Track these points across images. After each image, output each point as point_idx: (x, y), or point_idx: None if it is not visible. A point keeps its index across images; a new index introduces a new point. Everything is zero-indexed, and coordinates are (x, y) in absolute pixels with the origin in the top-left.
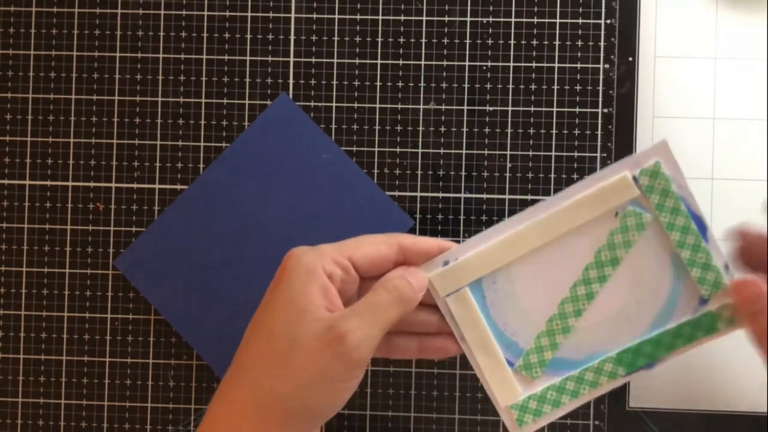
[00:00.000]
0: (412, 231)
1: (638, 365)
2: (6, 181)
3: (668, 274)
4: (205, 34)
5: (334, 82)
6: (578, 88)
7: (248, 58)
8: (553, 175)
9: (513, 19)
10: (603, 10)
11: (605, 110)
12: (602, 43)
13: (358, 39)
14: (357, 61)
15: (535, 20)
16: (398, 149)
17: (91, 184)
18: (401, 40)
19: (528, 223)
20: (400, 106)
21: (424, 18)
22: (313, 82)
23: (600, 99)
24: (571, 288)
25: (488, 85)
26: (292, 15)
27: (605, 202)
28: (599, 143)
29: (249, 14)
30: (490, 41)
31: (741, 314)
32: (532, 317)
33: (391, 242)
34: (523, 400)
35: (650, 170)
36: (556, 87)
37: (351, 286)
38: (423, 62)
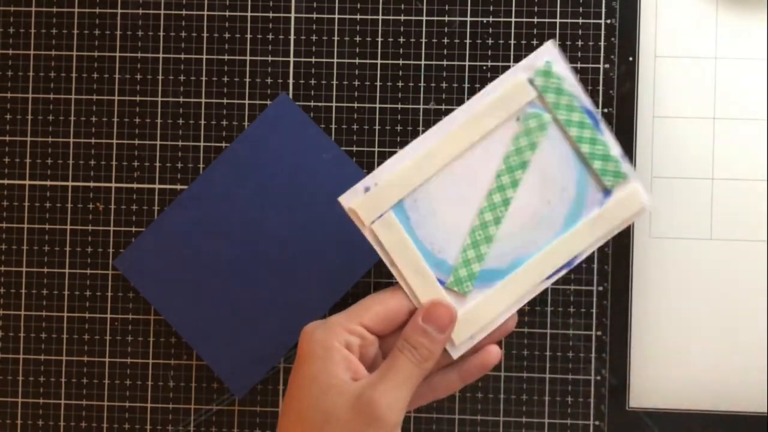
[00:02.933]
0: None
1: (559, 265)
2: (6, 181)
3: (573, 170)
4: (205, 34)
5: (334, 82)
6: None
7: (248, 58)
8: None
9: (513, 19)
10: (603, 10)
11: (605, 110)
12: (602, 43)
13: (358, 39)
14: (357, 61)
15: (535, 20)
16: (398, 149)
17: (91, 184)
18: (401, 40)
19: (438, 138)
20: (400, 106)
21: (424, 18)
22: (313, 82)
23: (600, 99)
24: (487, 197)
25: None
26: (292, 15)
27: (507, 108)
28: None
29: (249, 14)
30: (490, 41)
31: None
32: (456, 232)
33: (397, 293)
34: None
35: (542, 70)
36: None
37: (371, 348)
38: (423, 62)
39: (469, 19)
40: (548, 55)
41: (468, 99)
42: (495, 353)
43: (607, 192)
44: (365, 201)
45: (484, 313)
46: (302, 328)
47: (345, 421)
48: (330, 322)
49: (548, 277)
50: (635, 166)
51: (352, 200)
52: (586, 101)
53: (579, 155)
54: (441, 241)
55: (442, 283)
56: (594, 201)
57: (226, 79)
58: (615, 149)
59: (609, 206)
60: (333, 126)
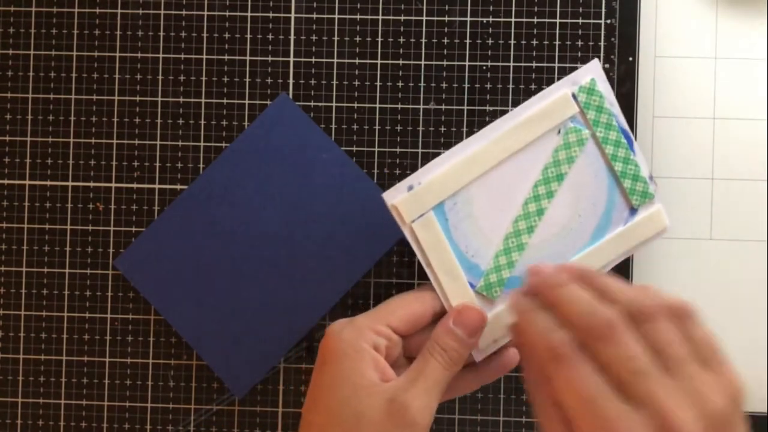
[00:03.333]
0: None
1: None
2: (6, 181)
3: (605, 187)
4: (205, 34)
5: (334, 82)
6: None
7: (248, 58)
8: None
9: (513, 19)
10: (603, 10)
11: None
12: (602, 43)
13: (358, 39)
14: (357, 61)
15: (535, 20)
16: (398, 149)
17: (91, 184)
18: (401, 40)
19: (481, 143)
20: (400, 106)
21: (424, 18)
22: (313, 82)
23: None
24: (523, 205)
25: (488, 85)
26: (292, 15)
27: (549, 120)
28: None
29: (249, 14)
30: (490, 41)
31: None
32: (490, 237)
33: (423, 296)
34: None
35: (587, 87)
36: None
37: (395, 349)
38: (423, 62)
39: (469, 19)
40: (593, 72)
41: (468, 99)
42: (515, 356)
43: (633, 210)
44: (408, 199)
45: (508, 319)
46: (326, 330)
47: (377, 423)
48: (358, 323)
49: None
50: None
51: (395, 197)
52: (623, 121)
53: (611, 172)
54: (475, 245)
55: (472, 286)
56: (620, 218)
57: (226, 79)
58: (645, 170)
59: (633, 224)
60: (333, 126)
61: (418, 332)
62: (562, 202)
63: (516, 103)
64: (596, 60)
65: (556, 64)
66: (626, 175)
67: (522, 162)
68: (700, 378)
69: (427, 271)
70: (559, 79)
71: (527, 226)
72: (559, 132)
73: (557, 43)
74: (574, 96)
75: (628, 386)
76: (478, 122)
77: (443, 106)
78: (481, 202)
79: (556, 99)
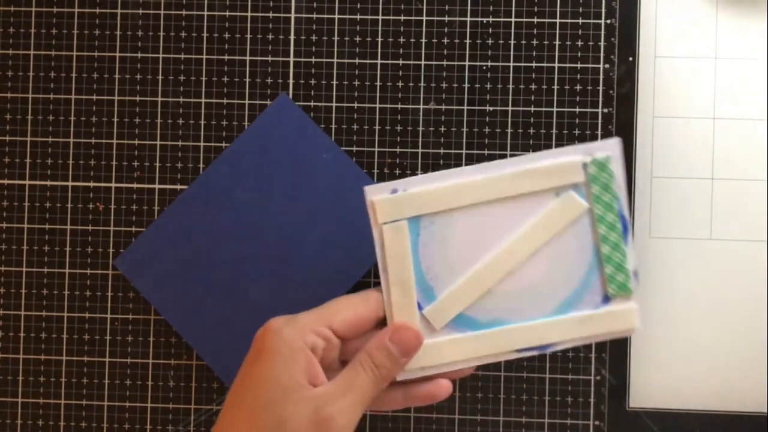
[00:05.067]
0: None
1: (532, 345)
2: (6, 181)
3: (585, 265)
4: (205, 34)
5: (334, 82)
6: (578, 88)
7: (248, 58)
8: None
9: (513, 19)
10: (603, 10)
11: (605, 110)
12: (602, 43)
13: (358, 39)
14: (357, 61)
15: (535, 20)
16: (398, 149)
17: (91, 184)
18: (401, 40)
19: (478, 176)
20: (400, 106)
21: (424, 18)
22: (313, 82)
23: (600, 99)
24: (498, 252)
25: (488, 85)
26: (292, 15)
27: (552, 179)
28: None
29: (249, 14)
30: (490, 41)
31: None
32: (455, 268)
33: (368, 299)
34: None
35: (600, 162)
36: (556, 87)
37: (333, 352)
38: (423, 62)
39: (469, 19)
40: (612, 150)
41: (468, 99)
42: (446, 389)
43: (606, 299)
44: (388, 201)
45: (443, 354)
46: (266, 324)
47: (298, 430)
48: (298, 321)
49: (518, 351)
50: (635, 166)
51: (376, 194)
52: (625, 207)
53: (597, 253)
54: (437, 270)
55: (420, 307)
56: (591, 301)
57: (226, 79)
58: (631, 263)
59: (602, 313)
60: (333, 126)
61: (358, 337)
62: (538, 263)
63: (516, 104)
64: (619, 140)
65: (556, 64)
66: (611, 261)
67: (512, 210)
68: None
69: (381, 276)
70: (559, 79)
71: (495, 272)
72: (557, 195)
73: (557, 43)
74: (585, 165)
75: None
76: (478, 122)
77: (443, 106)
78: (458, 231)
79: (565, 162)
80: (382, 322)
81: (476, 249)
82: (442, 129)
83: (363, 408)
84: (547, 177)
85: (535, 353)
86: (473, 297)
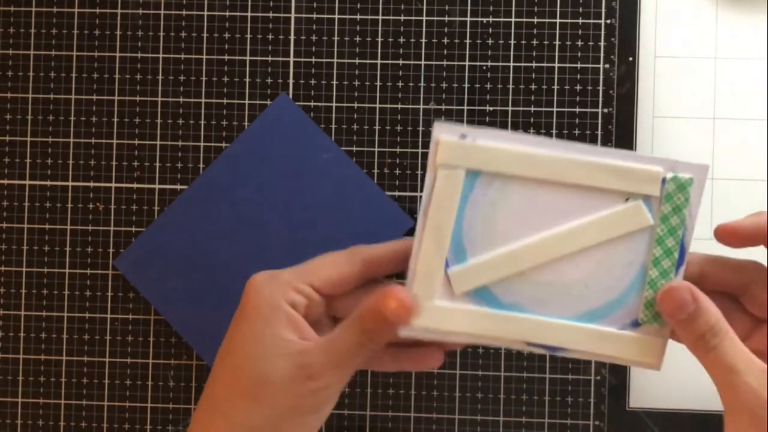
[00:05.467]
0: (411, 231)
1: (544, 342)
2: (6, 181)
3: (628, 281)
4: (205, 34)
5: (334, 82)
6: (578, 88)
7: (248, 58)
8: None
9: (513, 19)
10: (603, 10)
11: (605, 110)
12: (602, 43)
13: (358, 39)
14: (357, 61)
15: (535, 20)
16: (398, 149)
17: (91, 184)
18: (401, 40)
19: (554, 152)
20: (400, 106)
21: (424, 18)
22: (313, 82)
23: (600, 99)
24: (546, 238)
25: (488, 85)
26: (292, 15)
27: (626, 183)
28: (599, 143)
29: (249, 14)
30: (490, 41)
31: (673, 322)
32: (495, 238)
33: (354, 259)
34: (432, 305)
35: (681, 182)
36: (556, 87)
37: (317, 308)
38: (423, 62)
39: (469, 19)
40: (698, 174)
41: (468, 99)
42: (437, 358)
43: (635, 324)
44: (455, 144)
45: (453, 321)
46: (250, 278)
47: (281, 386)
48: (278, 279)
49: (528, 343)
50: None
51: (445, 134)
52: (690, 238)
53: (643, 273)
54: (477, 234)
55: (446, 265)
56: (619, 320)
57: (226, 79)
58: None
59: (626, 336)
60: (333, 126)
61: (347, 294)
62: (581, 262)
63: (516, 104)
64: (707, 165)
65: (556, 64)
66: (654, 287)
67: (575, 199)
68: None
69: (419, 219)
70: (559, 79)
71: (536, 257)
72: (627, 200)
73: (557, 43)
74: (664, 180)
75: None
76: (478, 122)
77: (443, 106)
78: (512, 201)
79: (646, 169)
80: (374, 281)
81: (524, 226)
82: None
83: (348, 370)
84: (623, 178)
85: (543, 352)
86: (504, 273)
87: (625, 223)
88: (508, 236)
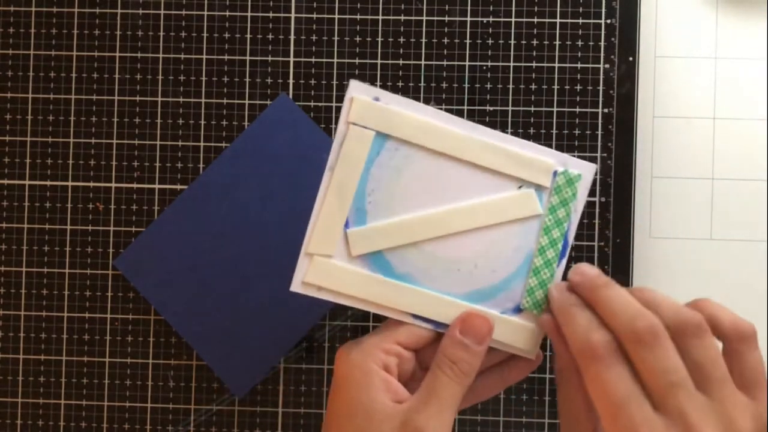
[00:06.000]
0: None
1: (429, 316)
2: (6, 181)
3: (514, 267)
4: (205, 34)
5: (334, 82)
6: (578, 88)
7: (248, 58)
8: None
9: (513, 19)
10: (603, 10)
11: (605, 110)
12: (602, 43)
13: (358, 39)
14: (357, 61)
15: (535, 20)
16: None
17: (91, 184)
18: (401, 40)
19: (461, 130)
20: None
21: (424, 18)
22: (313, 82)
23: (600, 99)
24: (441, 212)
25: (488, 85)
26: (292, 15)
27: (521, 170)
28: (599, 143)
29: (249, 14)
30: (490, 41)
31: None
32: (395, 206)
33: None
34: (328, 263)
35: (570, 177)
36: (556, 87)
37: (408, 365)
38: (423, 62)
39: (469, 19)
40: (586, 173)
41: (468, 99)
42: (527, 366)
43: (517, 309)
44: (367, 104)
45: (346, 283)
46: (337, 350)
47: None
48: (365, 344)
49: (414, 316)
50: (635, 166)
51: (359, 92)
52: (573, 231)
53: (530, 261)
54: (379, 198)
55: (347, 225)
56: (502, 304)
57: (226, 79)
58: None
59: (506, 320)
60: (333, 126)
61: (429, 345)
62: (473, 242)
63: (516, 104)
64: (596, 166)
65: (556, 64)
66: (537, 275)
67: (474, 179)
68: (733, 400)
69: (325, 175)
70: (559, 79)
71: (430, 230)
72: (520, 188)
73: (557, 43)
74: (555, 173)
75: (660, 396)
76: (478, 122)
77: (443, 106)
78: (416, 170)
79: (540, 160)
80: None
81: (424, 197)
82: None
83: (452, 409)
84: (519, 166)
85: (428, 326)
86: (400, 242)
87: (517, 209)
88: (408, 205)
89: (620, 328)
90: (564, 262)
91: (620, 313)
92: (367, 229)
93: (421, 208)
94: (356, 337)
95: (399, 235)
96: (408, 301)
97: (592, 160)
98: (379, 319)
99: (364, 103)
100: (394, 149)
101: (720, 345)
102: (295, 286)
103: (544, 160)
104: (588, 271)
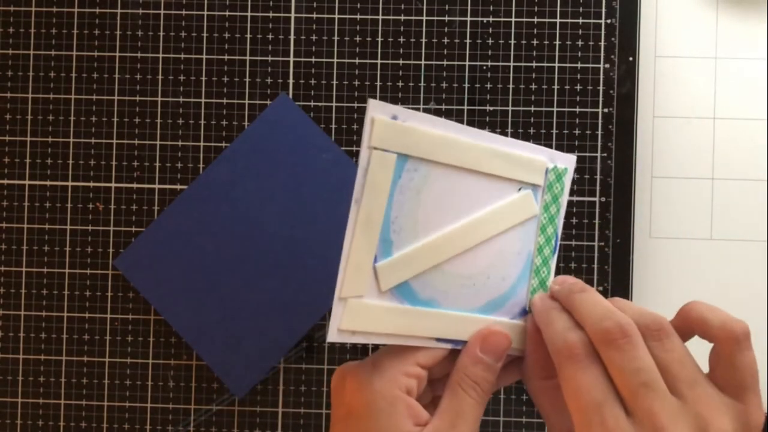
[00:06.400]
0: None
1: (449, 337)
2: (6, 181)
3: (519, 270)
4: (205, 34)
5: (334, 82)
6: (578, 88)
7: (248, 58)
8: None
9: (513, 19)
10: (603, 10)
11: (605, 110)
12: (602, 43)
13: (358, 39)
14: (357, 61)
15: (535, 20)
16: None
17: (91, 184)
18: (401, 40)
19: (468, 138)
20: (400, 106)
21: (424, 18)
22: (313, 82)
23: (600, 99)
24: (457, 227)
25: (488, 85)
26: (292, 15)
27: (519, 171)
28: (599, 143)
29: (249, 14)
30: (490, 41)
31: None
32: (418, 228)
33: None
34: (360, 304)
35: (559, 172)
36: (556, 87)
37: (423, 384)
38: (423, 62)
39: (469, 19)
40: (569, 165)
41: (468, 99)
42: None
43: (523, 312)
44: (388, 124)
45: (376, 322)
46: (346, 370)
47: None
48: (386, 368)
49: (437, 339)
50: (635, 166)
51: (379, 112)
52: (561, 225)
53: (530, 262)
54: (403, 223)
55: (375, 259)
56: (511, 310)
57: (226, 79)
58: (551, 281)
59: (515, 327)
60: (333, 126)
61: (444, 358)
62: (484, 252)
63: (516, 104)
64: (575, 157)
65: (556, 64)
66: (538, 274)
67: (484, 188)
68: (708, 401)
69: (352, 208)
70: (559, 79)
71: (450, 248)
72: (519, 190)
73: (557, 43)
74: (547, 170)
75: (631, 398)
76: (478, 122)
77: (443, 106)
78: (434, 188)
79: (534, 159)
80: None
81: (442, 215)
82: None
83: (475, 426)
84: (518, 168)
85: (449, 347)
86: (424, 266)
87: (518, 213)
88: (429, 227)
89: (591, 329)
90: (555, 257)
91: (591, 314)
92: (394, 260)
93: (440, 227)
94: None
95: (423, 260)
96: (432, 326)
97: (592, 160)
98: None
99: (385, 123)
100: (413, 170)
101: (702, 345)
102: (332, 336)
103: (538, 159)
104: (567, 279)
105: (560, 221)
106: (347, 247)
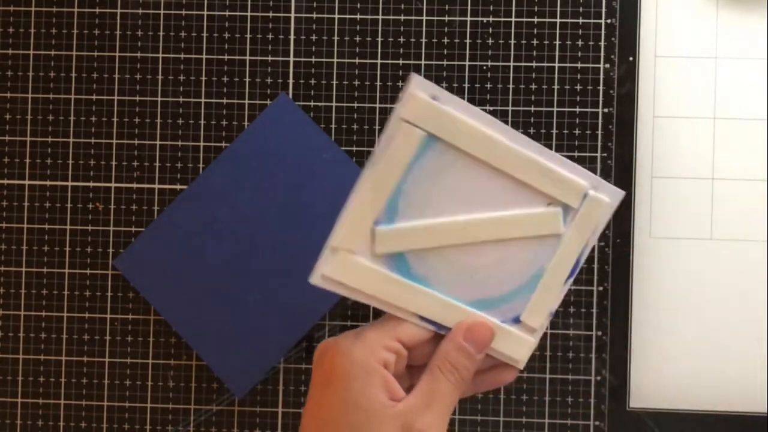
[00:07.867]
0: None
1: (434, 319)
2: (6, 181)
3: (524, 280)
4: (205, 34)
5: (334, 82)
6: (578, 88)
7: (248, 58)
8: None
9: (513, 19)
10: (603, 10)
11: (605, 110)
12: (602, 43)
13: (358, 39)
14: (357, 61)
15: (535, 20)
16: None
17: (91, 184)
18: (401, 40)
19: (506, 141)
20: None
21: (424, 18)
22: (313, 82)
23: (600, 99)
24: (469, 222)
25: (488, 85)
26: (292, 15)
27: (554, 188)
28: (599, 143)
29: (249, 14)
30: (490, 41)
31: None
32: (428, 208)
33: None
34: (350, 259)
35: (599, 201)
36: (556, 87)
37: (401, 363)
38: (423, 62)
39: (469, 19)
40: (614, 198)
41: (468, 99)
42: (514, 373)
43: (516, 319)
44: (426, 103)
45: (364, 281)
46: (328, 342)
47: None
48: (367, 339)
49: (420, 317)
50: (635, 166)
51: (419, 90)
52: (585, 255)
53: (539, 277)
54: (414, 198)
55: (377, 223)
56: (504, 314)
57: (226, 79)
58: (556, 305)
59: (504, 329)
60: (333, 126)
61: (426, 342)
62: (492, 252)
63: (516, 104)
64: (624, 194)
65: (556, 64)
66: (545, 292)
67: (509, 191)
68: None
69: (366, 166)
70: (559, 79)
71: (457, 236)
72: (549, 204)
73: (557, 43)
74: (585, 195)
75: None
76: None
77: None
78: (455, 175)
79: (572, 180)
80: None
81: (456, 203)
82: None
83: (450, 414)
84: (552, 183)
85: (432, 328)
86: (425, 245)
87: (540, 226)
88: (439, 210)
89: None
90: (570, 281)
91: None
92: (396, 228)
93: (451, 214)
94: None
95: (425, 239)
96: (419, 303)
97: (592, 160)
98: (378, 315)
99: (423, 102)
100: (440, 153)
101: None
102: (315, 279)
103: (577, 181)
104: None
105: (586, 249)
106: (351, 201)
